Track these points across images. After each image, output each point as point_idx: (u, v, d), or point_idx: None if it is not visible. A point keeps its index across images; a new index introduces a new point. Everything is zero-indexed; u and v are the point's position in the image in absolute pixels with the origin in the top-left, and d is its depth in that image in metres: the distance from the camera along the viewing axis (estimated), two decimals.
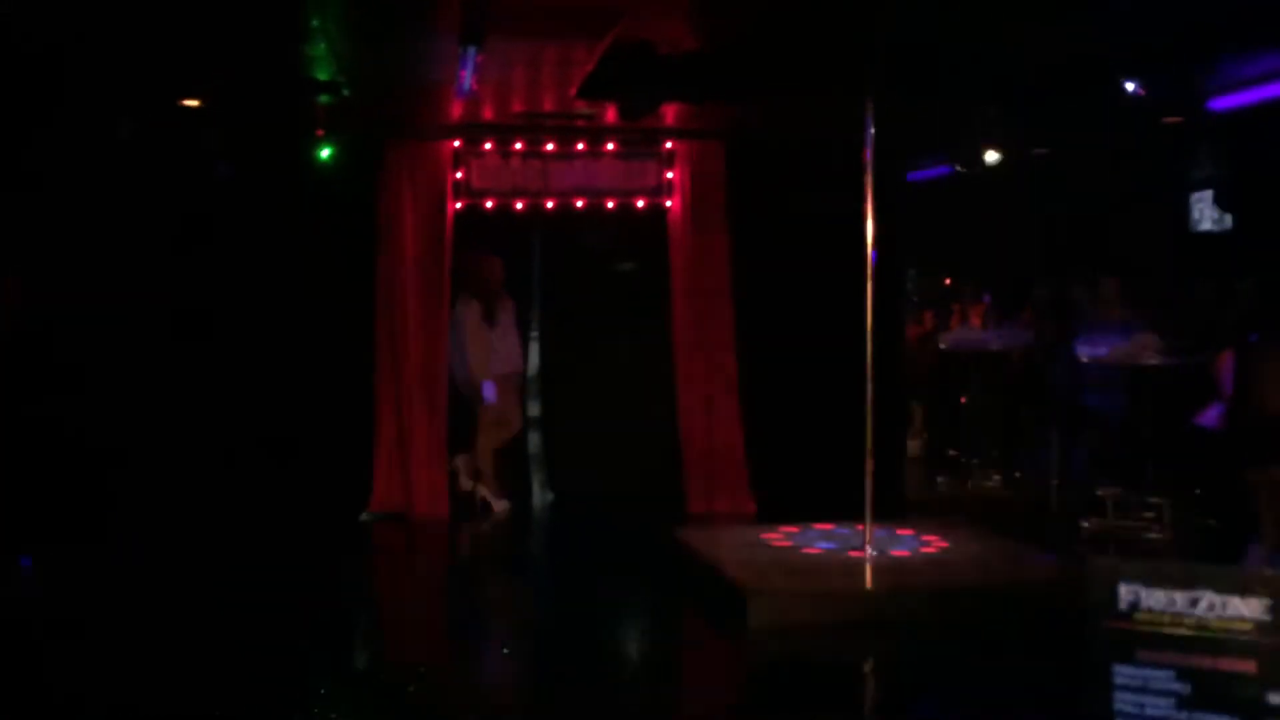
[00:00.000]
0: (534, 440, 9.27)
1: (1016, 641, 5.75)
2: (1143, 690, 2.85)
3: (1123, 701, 2.87)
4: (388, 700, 5.17)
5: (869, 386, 6.72)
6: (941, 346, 10.34)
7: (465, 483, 8.80)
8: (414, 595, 7.27)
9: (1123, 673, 2.88)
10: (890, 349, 8.76)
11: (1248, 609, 2.75)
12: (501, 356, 8.70)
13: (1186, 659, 2.81)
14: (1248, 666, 2.76)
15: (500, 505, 8.72)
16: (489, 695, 4.99)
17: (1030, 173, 10.64)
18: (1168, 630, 2.83)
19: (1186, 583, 2.81)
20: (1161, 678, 2.84)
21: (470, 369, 8.65)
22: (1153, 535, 7.89)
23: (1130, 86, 6.35)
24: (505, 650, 5.69)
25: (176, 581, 6.93)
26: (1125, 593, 2.88)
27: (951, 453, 10.19)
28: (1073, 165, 10.20)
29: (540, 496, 9.12)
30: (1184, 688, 2.82)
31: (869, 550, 6.63)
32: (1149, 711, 2.85)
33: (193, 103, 7.47)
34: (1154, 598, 2.84)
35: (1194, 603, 2.80)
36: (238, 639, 5.88)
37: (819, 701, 4.99)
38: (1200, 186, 12.21)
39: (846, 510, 7.48)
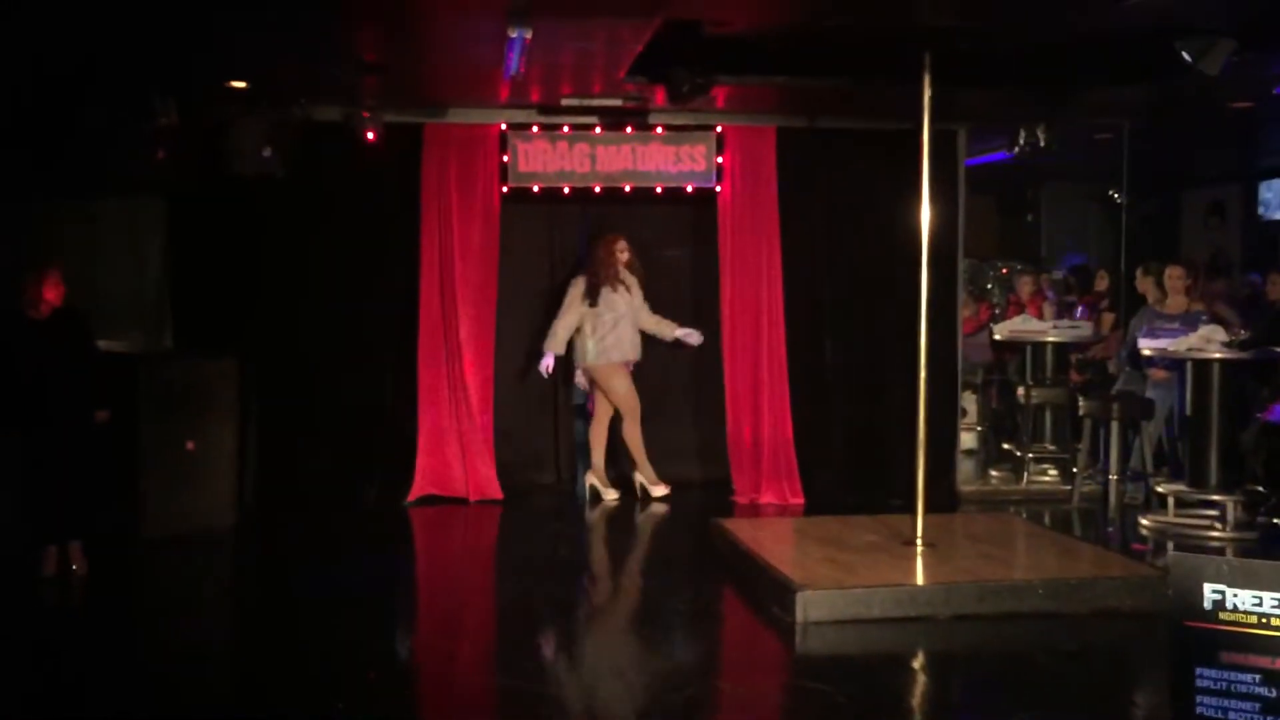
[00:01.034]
0: (579, 429, 9.17)
1: (1072, 639, 5.59)
2: (1226, 694, 2.70)
3: (1205, 705, 2.73)
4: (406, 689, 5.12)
5: (921, 377, 6.57)
6: (997, 338, 10.11)
7: (608, 492, 8.69)
8: (452, 582, 7.21)
9: (1205, 675, 2.73)
10: (945, 339, 8.59)
11: None
12: (615, 345, 8.52)
13: (1273, 662, 2.65)
14: None
15: (659, 490, 8.62)
16: (527, 685, 4.89)
17: (1092, 158, 10.39)
18: (1254, 632, 2.66)
19: (1276, 583, 2.65)
20: (1246, 681, 2.68)
21: (546, 340, 8.54)
22: (1215, 534, 7.65)
23: (1188, 58, 6.09)
24: (543, 641, 5.59)
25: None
26: (1210, 592, 2.71)
27: (1006, 446, 9.98)
28: (1137, 151, 9.92)
29: (584, 486, 9.02)
30: (1270, 692, 2.66)
31: (920, 544, 6.48)
32: (1232, 716, 2.70)
33: (239, 84, 7.44)
34: (1240, 598, 2.68)
35: None
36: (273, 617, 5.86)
37: (867, 697, 4.85)
38: (1269, 175, 11.88)
39: (897, 504, 7.35)
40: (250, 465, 8.17)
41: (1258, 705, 2.67)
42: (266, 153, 7.74)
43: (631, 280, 8.61)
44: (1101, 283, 10.68)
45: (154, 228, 8.52)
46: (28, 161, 7.66)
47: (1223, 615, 2.70)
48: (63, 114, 7.44)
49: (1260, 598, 2.65)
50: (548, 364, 8.56)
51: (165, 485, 7.35)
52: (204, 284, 8.36)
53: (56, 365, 6.45)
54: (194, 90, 7.46)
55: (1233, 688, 2.69)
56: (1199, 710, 2.73)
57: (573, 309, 8.52)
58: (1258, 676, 2.67)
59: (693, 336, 8.71)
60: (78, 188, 8.21)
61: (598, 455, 8.77)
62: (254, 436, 8.19)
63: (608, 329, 8.50)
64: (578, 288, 8.56)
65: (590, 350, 8.56)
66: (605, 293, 8.50)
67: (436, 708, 4.99)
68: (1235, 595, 2.68)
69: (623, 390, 8.58)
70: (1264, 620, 2.65)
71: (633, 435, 8.63)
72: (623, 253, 8.55)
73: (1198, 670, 2.73)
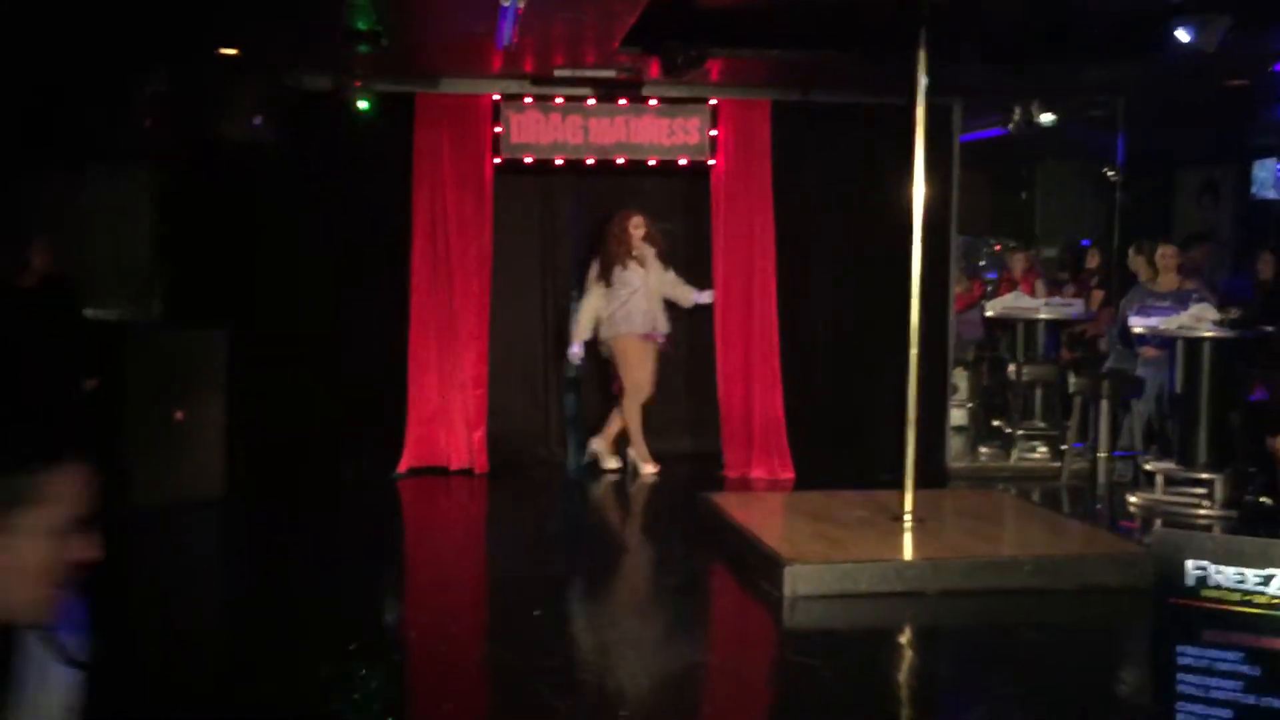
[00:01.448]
0: (570, 403, 9.16)
1: (1059, 616, 5.61)
2: (1208, 672, 2.68)
3: (1186, 684, 2.70)
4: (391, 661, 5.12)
5: (912, 353, 6.57)
6: (989, 314, 10.11)
7: (610, 461, 8.67)
8: (441, 555, 7.22)
9: (1187, 653, 2.71)
10: (937, 315, 8.59)
11: None
12: (624, 318, 8.49)
13: (1257, 640, 2.63)
14: None
15: (648, 469, 8.60)
16: (520, 657, 4.90)
17: (1086, 135, 10.36)
18: (1237, 609, 2.65)
19: (1260, 559, 2.63)
20: (1229, 659, 2.66)
21: (573, 328, 8.55)
22: (1203, 512, 7.67)
23: (1185, 37, 6.05)
24: (536, 613, 5.60)
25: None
26: (1192, 569, 2.69)
27: (997, 423, 9.99)
28: (1131, 128, 9.89)
29: (575, 460, 9.02)
30: (1253, 670, 2.64)
31: (908, 520, 6.49)
32: (1214, 694, 2.68)
33: (230, 52, 7.37)
34: (1223, 575, 2.66)
35: (1267, 580, 2.62)
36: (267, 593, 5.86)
37: (854, 671, 4.87)
38: (1263, 153, 11.86)
39: (887, 479, 7.36)
40: (239, 436, 8.13)
41: (1240, 684, 2.66)
42: (257, 121, 7.69)
43: (648, 253, 8.55)
44: (1092, 260, 10.68)
45: (143, 196, 8.46)
46: (16, 129, 7.59)
47: (1205, 592, 2.68)
48: (52, 82, 7.37)
49: (1243, 575, 2.63)
50: (576, 351, 8.56)
51: (153, 455, 7.32)
52: (193, 253, 8.30)
53: (44, 333, 6.41)
54: (184, 58, 7.39)
55: (1215, 666, 2.68)
56: (1181, 688, 2.71)
57: (592, 293, 8.53)
58: (1240, 654, 2.66)
59: (705, 296, 8.67)
60: (67, 156, 8.15)
61: (614, 425, 8.74)
62: (243, 407, 8.16)
63: (619, 304, 8.49)
64: (593, 270, 8.56)
65: (603, 325, 8.57)
66: (618, 271, 8.47)
67: (425, 679, 4.99)
68: (1219, 572, 2.66)
69: (631, 364, 8.55)
70: (1247, 598, 2.63)
71: (630, 411, 8.62)
72: (637, 229, 8.50)
73: (1179, 648, 2.71)
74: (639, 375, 8.56)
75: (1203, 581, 2.68)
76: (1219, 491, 7.65)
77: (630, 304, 8.48)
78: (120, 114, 7.77)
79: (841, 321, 8.94)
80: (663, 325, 8.59)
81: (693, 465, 8.84)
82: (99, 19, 6.60)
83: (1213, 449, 7.73)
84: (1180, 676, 2.71)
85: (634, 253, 8.49)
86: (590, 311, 8.51)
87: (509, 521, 7.72)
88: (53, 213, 7.92)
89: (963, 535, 6.51)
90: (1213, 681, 2.68)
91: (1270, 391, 7.59)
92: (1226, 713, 2.67)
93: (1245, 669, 2.64)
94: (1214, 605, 2.66)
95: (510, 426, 8.96)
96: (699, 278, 8.88)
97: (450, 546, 7.43)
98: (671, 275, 8.63)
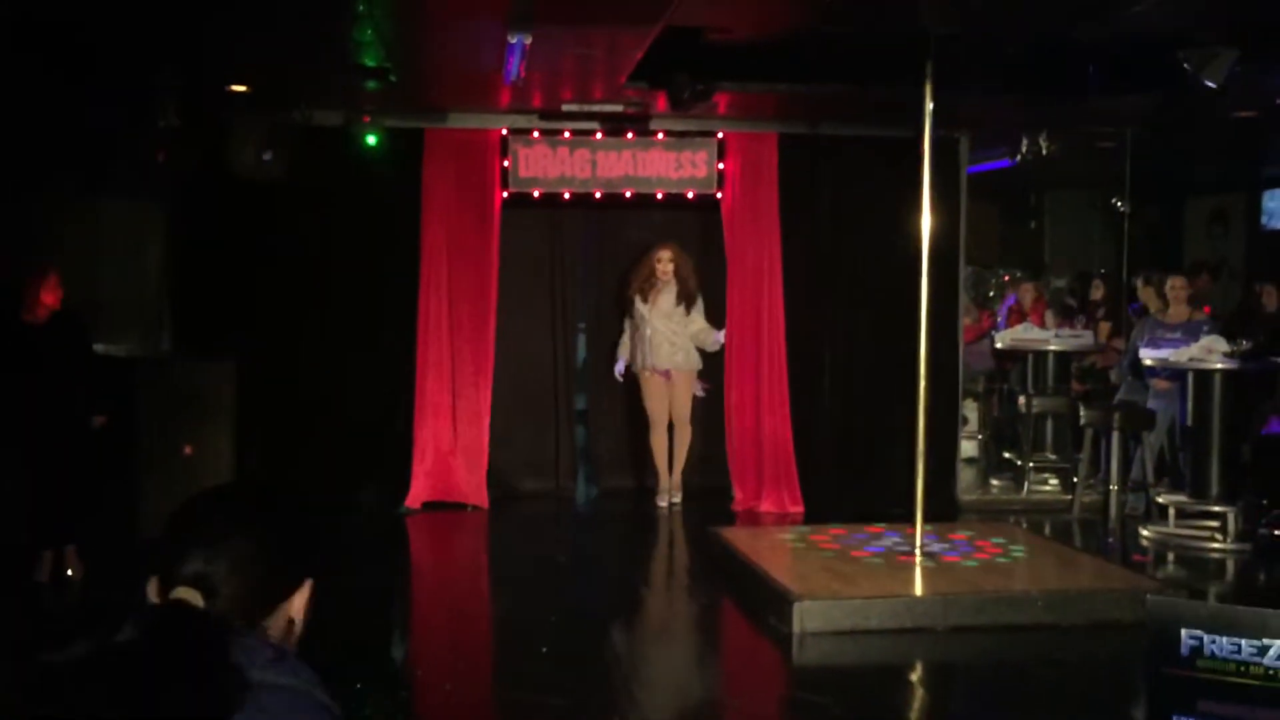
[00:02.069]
0: (579, 434, 9.14)
1: (1071, 652, 5.55)
2: None
3: None
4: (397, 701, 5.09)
5: (922, 385, 6.54)
6: (998, 346, 10.07)
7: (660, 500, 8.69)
8: (449, 590, 7.19)
9: None
10: (946, 347, 8.56)
11: None
12: (641, 352, 8.55)
13: (1252, 712, 2.58)
14: None
15: (662, 499, 8.63)
16: (526, 695, 4.86)
17: (1095, 166, 10.36)
18: (1233, 680, 2.59)
19: (1255, 629, 2.58)
20: None
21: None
22: (1215, 545, 7.61)
23: (1191, 69, 6.05)
24: (543, 650, 5.56)
25: None
26: (1187, 638, 2.65)
27: (1007, 455, 9.94)
28: (1139, 158, 9.88)
29: (584, 492, 8.99)
30: None
31: (919, 555, 6.45)
32: None
33: (240, 88, 7.42)
34: (1218, 645, 2.61)
35: (1263, 651, 2.57)
36: None
37: (864, 709, 4.82)
38: (1273, 184, 11.84)
39: (897, 512, 7.31)
40: (247, 469, 8.12)
41: None
42: (267, 156, 7.73)
43: (669, 290, 8.55)
44: (1097, 292, 10.64)
45: (154, 230, 8.49)
46: (29, 163, 7.64)
47: (1200, 662, 2.63)
48: (65, 115, 7.42)
49: (1239, 645, 2.58)
50: (619, 369, 8.74)
51: (163, 489, 7.31)
52: (203, 287, 8.33)
53: (54, 370, 6.42)
54: (195, 92, 7.44)
55: None
56: None
57: (627, 320, 8.67)
58: None
59: (721, 335, 8.69)
60: (78, 190, 8.19)
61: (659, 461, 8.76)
62: (251, 441, 8.15)
63: (639, 338, 8.55)
64: (622, 303, 8.70)
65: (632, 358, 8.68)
66: (637, 303, 8.52)
67: (431, 716, 4.95)
68: (1213, 642, 2.61)
69: (645, 395, 8.64)
70: (1242, 668, 2.58)
71: (652, 442, 8.67)
72: (659, 263, 8.53)
73: (1174, 718, 2.67)
74: (651, 407, 8.58)
75: (1198, 651, 2.63)
76: (1231, 525, 7.59)
77: (639, 339, 8.51)
78: (131, 148, 7.82)
79: (851, 353, 8.92)
80: (683, 363, 8.58)
81: (702, 498, 8.80)
82: (111, 54, 6.65)
83: (1225, 482, 7.67)
84: None
85: (657, 285, 8.49)
86: (626, 335, 8.66)
87: (517, 556, 7.68)
88: (63, 247, 7.95)
89: (973, 570, 6.46)
90: None
91: None
92: None
93: None
94: (1209, 676, 2.62)
95: (519, 459, 8.94)
96: (710, 311, 8.87)
97: (458, 581, 7.40)
98: (694, 315, 8.62)
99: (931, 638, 5.68)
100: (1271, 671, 2.54)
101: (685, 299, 8.57)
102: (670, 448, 8.66)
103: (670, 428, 8.65)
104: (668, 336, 8.54)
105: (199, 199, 8.26)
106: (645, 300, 8.50)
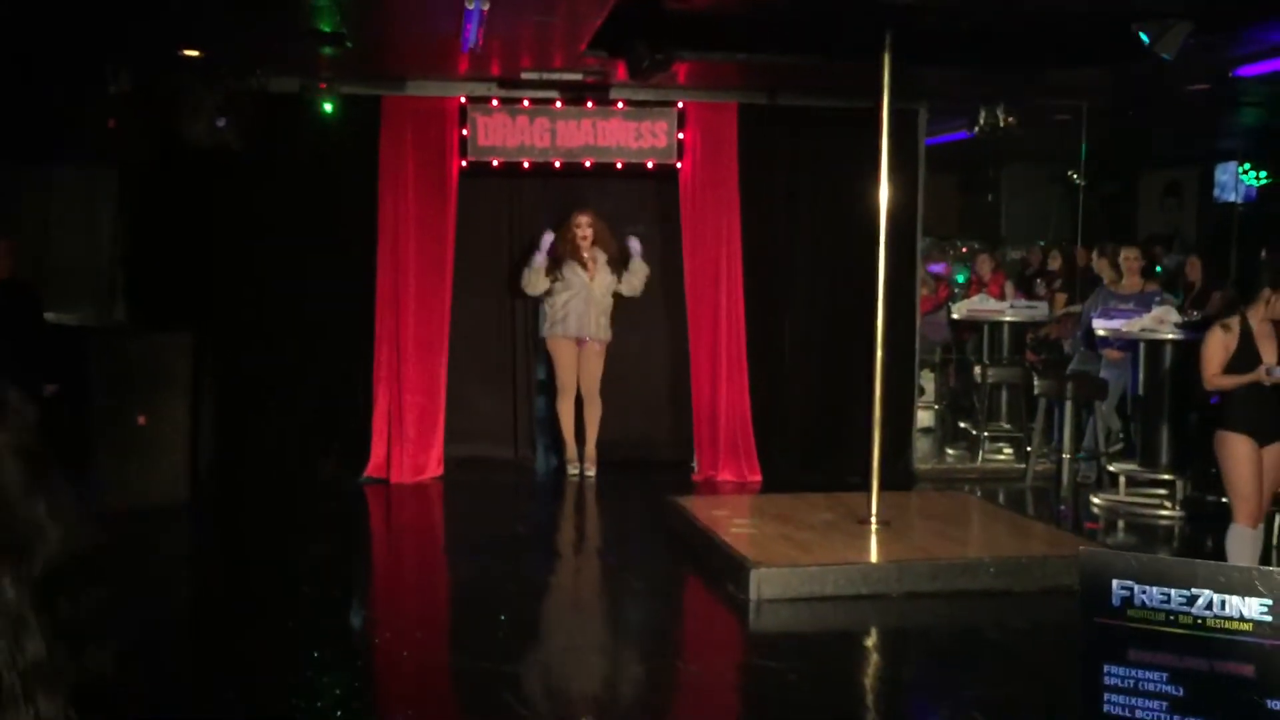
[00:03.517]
0: (539, 405, 9.15)
1: (1023, 617, 5.65)
2: (1133, 692, 2.69)
3: (1112, 703, 2.71)
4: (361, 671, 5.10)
5: (879, 355, 6.59)
6: (955, 317, 10.16)
7: (571, 468, 8.67)
8: (408, 559, 7.20)
9: (1113, 673, 2.72)
10: (903, 318, 8.63)
11: (1247, 609, 2.58)
12: (560, 320, 8.52)
13: (1180, 660, 2.64)
14: (1245, 670, 2.58)
15: (572, 470, 8.64)
16: (484, 662, 4.88)
17: (1051, 139, 10.44)
18: (1162, 629, 2.66)
19: (1184, 580, 2.64)
20: (1154, 679, 2.67)
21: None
22: (1164, 513, 7.75)
23: (1146, 40, 6.10)
24: (501, 618, 5.59)
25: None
26: (1118, 588, 2.71)
27: (963, 425, 10.05)
28: (1094, 132, 9.98)
29: (544, 462, 9.00)
30: (1177, 690, 2.65)
31: (874, 522, 6.52)
32: (1139, 714, 2.69)
33: (193, 53, 7.31)
34: (1148, 594, 2.67)
35: (1191, 601, 2.63)
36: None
37: (819, 674, 4.89)
38: (1225, 157, 11.99)
39: (854, 481, 7.39)
40: (204, 440, 8.07)
41: (1164, 704, 2.67)
42: (221, 123, 7.62)
43: (599, 257, 8.56)
44: (1054, 262, 10.75)
45: (107, 199, 8.38)
46: None
47: (1131, 612, 2.69)
48: (13, 81, 7.29)
49: (1168, 594, 2.64)
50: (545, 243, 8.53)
51: (117, 460, 7.26)
52: (157, 256, 8.23)
53: (5, 337, 6.34)
54: (147, 58, 7.33)
55: (1140, 685, 2.69)
56: (1106, 708, 2.72)
57: (537, 272, 8.50)
58: (1165, 675, 2.67)
59: (634, 243, 8.60)
60: (30, 158, 8.06)
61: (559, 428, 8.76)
62: (208, 411, 8.09)
63: (560, 304, 8.51)
64: (541, 256, 8.53)
65: (543, 324, 8.60)
66: (565, 268, 8.48)
67: (388, 684, 4.97)
68: (1144, 592, 2.67)
69: (559, 365, 8.65)
70: (1172, 618, 2.64)
71: (558, 409, 8.69)
72: (578, 227, 8.50)
73: (1106, 667, 2.73)
74: (564, 377, 8.63)
75: (1128, 601, 2.69)
76: (1180, 492, 7.73)
77: (569, 306, 8.49)
78: (83, 115, 7.70)
79: (809, 323, 8.96)
80: (598, 332, 8.57)
81: (661, 468, 8.84)
82: (61, 18, 6.53)
83: (1174, 450, 7.80)
84: (1107, 696, 2.72)
85: (582, 254, 8.48)
86: (551, 312, 8.55)
87: (476, 526, 7.69)
88: (14, 215, 7.83)
89: (928, 537, 6.55)
90: (1137, 701, 2.69)
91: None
92: None
93: (1169, 689, 2.66)
94: (1139, 625, 2.68)
95: (478, 429, 8.93)
96: (667, 280, 8.89)
97: (416, 551, 7.40)
98: (627, 275, 8.58)
99: (886, 603, 5.76)
100: (1199, 620, 2.60)
101: (617, 265, 8.56)
102: (581, 421, 8.66)
103: (579, 403, 8.65)
104: (604, 308, 8.56)
105: (152, 167, 8.15)
106: (571, 269, 8.49)
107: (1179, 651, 2.63)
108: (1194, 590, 2.62)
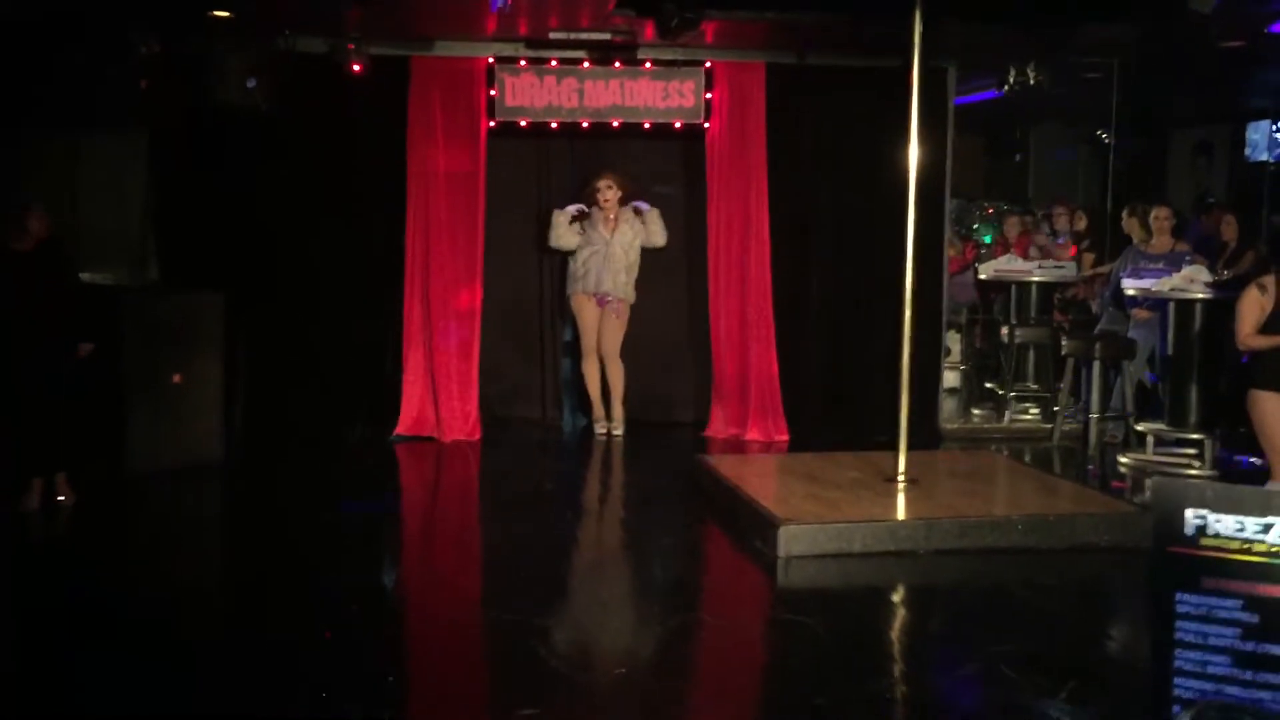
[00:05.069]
0: (565, 365, 9.20)
1: (1050, 574, 5.68)
2: (1206, 619, 2.72)
3: (1185, 631, 2.74)
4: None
5: (906, 315, 6.60)
6: (982, 277, 10.13)
7: (599, 428, 8.76)
8: (438, 517, 7.28)
9: (1186, 601, 2.75)
10: (930, 278, 8.61)
11: None
12: (580, 276, 8.55)
13: (1255, 588, 2.66)
14: None
15: (600, 429, 8.72)
16: (516, 617, 4.95)
17: (1082, 98, 10.35)
18: (1236, 557, 2.67)
19: (1259, 508, 2.66)
20: (1228, 606, 2.70)
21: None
22: (1192, 473, 7.74)
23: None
24: (531, 574, 5.65)
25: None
26: (1192, 517, 2.72)
27: (989, 385, 10.04)
28: (1125, 90, 9.88)
29: (570, 421, 9.06)
30: (1251, 618, 2.68)
31: (902, 480, 6.55)
32: (1213, 641, 2.72)
33: (223, 14, 7.34)
34: (1223, 523, 2.69)
35: (1266, 529, 2.65)
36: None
37: (847, 629, 4.94)
38: (1258, 115, 11.85)
39: (881, 440, 7.41)
40: (237, 399, 8.16)
41: (1238, 630, 2.70)
42: (250, 84, 7.66)
43: (626, 217, 8.56)
44: (1080, 222, 10.68)
45: (137, 160, 8.44)
46: (11, 95, 7.56)
47: (1204, 541, 2.71)
48: (46, 46, 7.33)
49: (1242, 523, 2.66)
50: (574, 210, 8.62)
51: (150, 419, 7.35)
52: (189, 217, 8.30)
53: (42, 298, 6.41)
54: (177, 20, 7.36)
55: (1213, 613, 2.71)
56: (1179, 635, 2.75)
57: (564, 224, 8.56)
58: (1239, 602, 2.69)
59: (641, 203, 8.66)
60: (62, 121, 8.12)
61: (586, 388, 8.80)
62: (241, 371, 8.18)
63: (582, 261, 8.55)
64: (570, 210, 8.61)
65: (570, 282, 8.63)
66: (600, 228, 8.50)
67: (422, 639, 5.05)
68: (1218, 520, 2.69)
69: (580, 323, 8.66)
70: (1246, 546, 2.66)
71: (585, 370, 8.73)
72: (599, 193, 8.51)
73: (1179, 596, 2.75)
74: (586, 339, 8.67)
75: (1202, 530, 2.71)
76: (1208, 452, 7.72)
77: (589, 263, 8.51)
78: (114, 77, 7.74)
79: (836, 283, 8.96)
80: (618, 290, 8.57)
81: (689, 428, 8.90)
82: None
83: (1203, 410, 7.79)
84: (1179, 624, 2.75)
85: (610, 213, 8.49)
86: (574, 267, 8.57)
87: (505, 484, 7.77)
88: (48, 177, 7.90)
89: (955, 495, 6.57)
90: (1211, 629, 2.72)
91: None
92: (1224, 659, 2.72)
93: (1243, 616, 2.68)
94: (1213, 553, 2.70)
95: (506, 389, 9.02)
96: (694, 240, 8.90)
97: (446, 509, 7.49)
98: (647, 230, 8.60)
99: (914, 561, 5.80)
100: (1275, 549, 2.63)
101: (634, 222, 8.58)
102: (604, 384, 8.69)
103: (601, 366, 8.68)
104: (624, 264, 8.56)
105: (182, 129, 8.20)
106: (599, 225, 8.50)
107: (1254, 579, 2.65)
108: (1270, 518, 2.63)
